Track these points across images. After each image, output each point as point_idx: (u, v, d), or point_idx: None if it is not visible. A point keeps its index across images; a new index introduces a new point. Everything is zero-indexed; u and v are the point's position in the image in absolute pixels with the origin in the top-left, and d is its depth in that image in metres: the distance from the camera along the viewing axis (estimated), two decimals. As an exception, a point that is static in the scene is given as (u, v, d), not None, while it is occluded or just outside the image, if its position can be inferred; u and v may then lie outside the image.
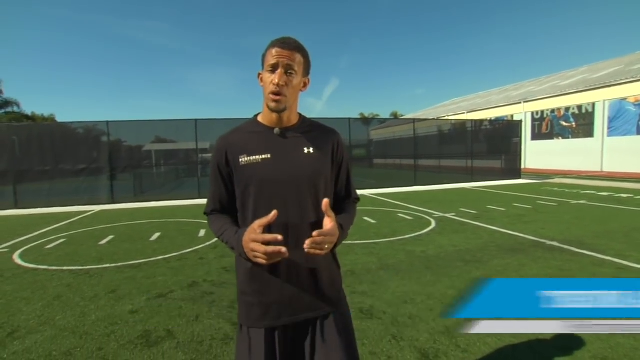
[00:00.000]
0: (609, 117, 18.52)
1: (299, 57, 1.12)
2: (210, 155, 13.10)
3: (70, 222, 7.86)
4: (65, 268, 4.43)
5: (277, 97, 1.10)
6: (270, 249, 0.97)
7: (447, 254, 4.61)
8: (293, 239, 1.10)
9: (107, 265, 4.49)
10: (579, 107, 19.98)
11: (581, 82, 21.15)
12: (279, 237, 0.99)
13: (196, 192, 11.41)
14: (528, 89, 27.11)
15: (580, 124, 19.99)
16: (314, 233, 1.00)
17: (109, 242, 5.77)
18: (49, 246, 5.61)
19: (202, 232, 6.31)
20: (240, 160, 1.15)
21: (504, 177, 15.06)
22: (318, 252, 1.02)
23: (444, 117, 28.95)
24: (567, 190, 10.99)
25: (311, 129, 1.23)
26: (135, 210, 9.63)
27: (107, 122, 10.81)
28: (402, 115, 49.53)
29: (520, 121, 17.41)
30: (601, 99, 18.84)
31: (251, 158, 1.14)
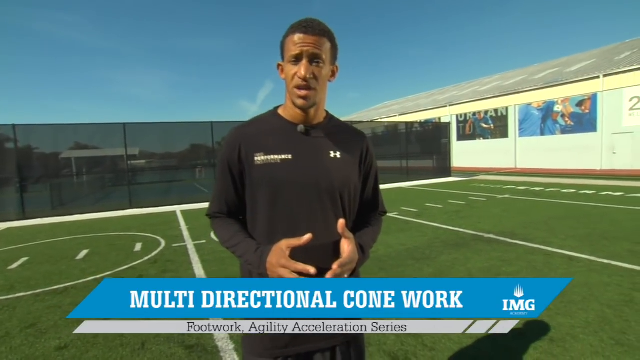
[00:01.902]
0: (519, 120, 20.98)
1: (326, 44, 0.96)
2: (140, 162, 11.87)
3: (-33, 245, 6.60)
4: (-36, 302, 3.66)
5: (305, 92, 0.95)
6: None
7: (397, 253, 4.74)
8: (313, 258, 0.97)
9: (22, 294, 3.80)
10: (496, 111, 22.32)
11: (496, 89, 23.68)
12: (312, 270, 0.88)
13: (127, 202, 10.37)
14: (452, 94, 29.59)
15: (497, 125, 22.34)
16: (334, 266, 0.91)
17: (21, 266, 4.93)
18: (-61, 276, 4.61)
19: (139, 246, 5.71)
20: (256, 158, 0.99)
21: (436, 175, 16.18)
22: None
23: (378, 119, 30.31)
24: (492, 186, 12.13)
25: (338, 129, 1.09)
26: (54, 225, 8.43)
27: (14, 126, 9.33)
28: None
29: (449, 123, 18.90)
30: (512, 104, 21.28)
31: (269, 157, 0.99)
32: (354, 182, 1.06)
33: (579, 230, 5.43)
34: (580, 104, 18.11)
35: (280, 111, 1.07)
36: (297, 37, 0.94)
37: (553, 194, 9.54)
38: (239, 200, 1.07)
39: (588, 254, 4.28)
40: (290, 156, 0.99)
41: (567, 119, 18.70)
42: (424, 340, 2.52)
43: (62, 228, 7.97)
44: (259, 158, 0.99)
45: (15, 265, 4.95)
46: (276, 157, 0.99)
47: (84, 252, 5.51)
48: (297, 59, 0.95)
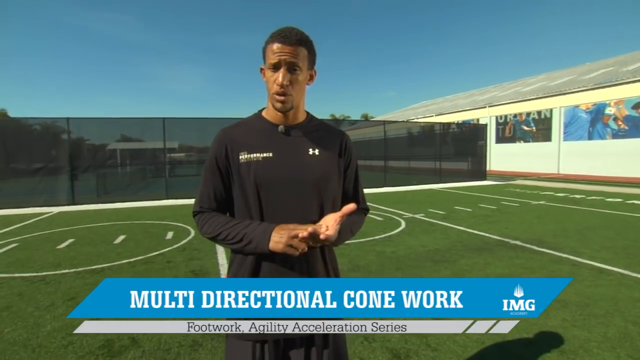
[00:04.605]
0: (564, 123, 19.73)
1: (303, 52, 1.04)
2: (179, 154, 12.47)
3: (23, 225, 7.33)
4: (16, 275, 4.12)
5: (282, 98, 1.04)
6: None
7: (416, 255, 4.71)
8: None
9: (66, 271, 4.22)
10: (539, 113, 21.14)
11: (540, 89, 22.40)
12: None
13: (164, 193, 11.01)
14: (492, 94, 28.36)
15: (539, 128, 21.16)
16: (310, 228, 0.97)
17: (68, 246, 5.44)
18: (-1, 251, 5.21)
19: (170, 235, 6.09)
20: (240, 157, 1.08)
21: (470, 178, 15.65)
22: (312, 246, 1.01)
23: (414, 119, 29.69)
24: (528, 192, 11.58)
25: (317, 128, 1.17)
26: (98, 211, 9.15)
27: (68, 119, 10.20)
28: (372, 117, 50.32)
29: (486, 125, 18.18)
30: (557, 106, 20.04)
31: (251, 155, 1.07)
32: (333, 178, 1.13)
33: (617, 242, 5.10)
34: (637, 106, 16.72)
35: (263, 113, 1.16)
36: (276, 46, 1.02)
37: (594, 203, 8.96)
38: (227, 194, 1.15)
39: (622, 267, 4.03)
40: (271, 154, 1.07)
41: (620, 123, 17.33)
42: (428, 340, 2.54)
43: (104, 214, 8.63)
44: (243, 156, 1.08)
45: (62, 246, 5.46)
46: (258, 155, 1.07)
47: (121, 238, 5.96)
48: (275, 67, 1.03)
